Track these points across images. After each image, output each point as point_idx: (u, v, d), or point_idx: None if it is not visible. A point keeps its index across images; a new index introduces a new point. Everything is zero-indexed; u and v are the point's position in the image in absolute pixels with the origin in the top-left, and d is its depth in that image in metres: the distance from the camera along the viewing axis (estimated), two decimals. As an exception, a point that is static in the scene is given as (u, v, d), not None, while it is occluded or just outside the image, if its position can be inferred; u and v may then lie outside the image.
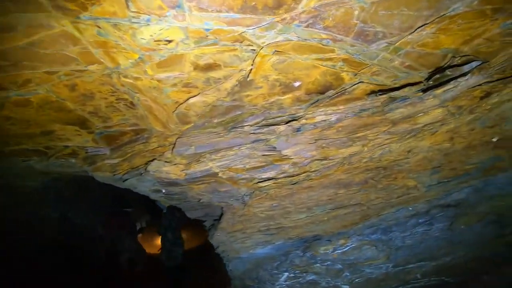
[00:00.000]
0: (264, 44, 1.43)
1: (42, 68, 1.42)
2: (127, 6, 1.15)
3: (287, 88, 1.83)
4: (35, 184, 3.25)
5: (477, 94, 1.91)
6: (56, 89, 1.61)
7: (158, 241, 4.69)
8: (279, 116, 2.09)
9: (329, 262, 2.98)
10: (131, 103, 1.83)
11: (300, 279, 3.18)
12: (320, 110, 2.03)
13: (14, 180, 2.94)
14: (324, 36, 1.41)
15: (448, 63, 1.72)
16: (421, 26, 1.43)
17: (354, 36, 1.43)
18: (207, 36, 1.34)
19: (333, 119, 2.06)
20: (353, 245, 3.12)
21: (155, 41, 1.32)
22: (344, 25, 1.35)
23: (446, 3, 1.35)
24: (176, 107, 1.91)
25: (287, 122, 2.10)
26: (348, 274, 3.01)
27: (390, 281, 3.20)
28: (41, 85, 1.55)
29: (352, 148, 2.26)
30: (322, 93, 1.92)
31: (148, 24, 1.24)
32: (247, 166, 2.37)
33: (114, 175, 2.57)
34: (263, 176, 2.48)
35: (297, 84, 1.80)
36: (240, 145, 2.23)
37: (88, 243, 4.34)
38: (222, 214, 3.38)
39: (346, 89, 1.84)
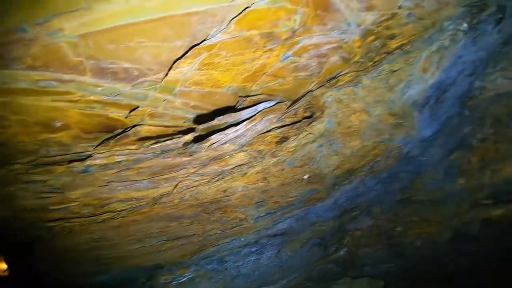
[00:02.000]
0: None
1: None
2: None
3: (49, 127, 1.41)
4: None
5: (271, 139, 1.93)
6: None
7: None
8: (61, 154, 1.65)
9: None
10: None
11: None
12: (116, 149, 1.69)
13: None
14: (44, 77, 1.06)
15: (238, 103, 1.63)
16: (178, 59, 1.22)
17: (92, 75, 1.14)
18: None
19: (128, 157, 1.76)
20: (190, 276, 2.95)
21: None
22: (62, 63, 1.03)
23: (199, 30, 1.14)
24: None
25: (69, 162, 1.68)
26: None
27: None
28: None
29: (161, 190, 2.01)
30: (108, 132, 1.58)
31: None
32: (19, 207, 1.82)
33: None
34: (52, 218, 1.98)
35: (57, 124, 1.41)
36: (6, 186, 1.67)
37: None
38: (30, 246, 2.70)
39: (128, 130, 1.56)
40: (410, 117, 2.26)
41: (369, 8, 1.36)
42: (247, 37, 1.19)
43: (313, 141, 2.10)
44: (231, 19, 1.10)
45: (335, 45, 1.47)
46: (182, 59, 1.18)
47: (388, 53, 1.80)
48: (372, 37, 1.58)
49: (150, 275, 3.40)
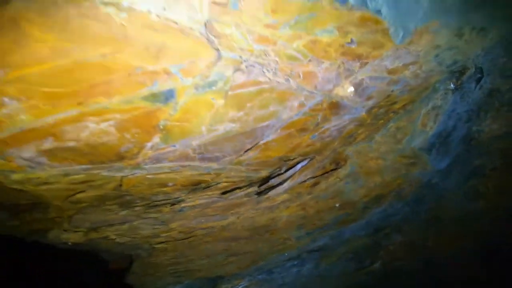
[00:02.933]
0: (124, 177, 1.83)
1: None
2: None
3: (163, 185, 2.26)
4: None
5: (307, 185, 2.60)
6: None
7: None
8: (165, 200, 2.51)
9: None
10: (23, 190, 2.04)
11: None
12: (198, 195, 2.51)
13: None
14: (171, 165, 1.88)
15: (283, 164, 2.35)
16: (247, 150, 1.98)
17: (199, 161, 1.94)
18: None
19: (208, 201, 2.56)
20: (245, 284, 3.66)
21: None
22: (186, 157, 1.84)
23: (259, 134, 1.88)
24: (67, 197, 2.17)
25: (172, 204, 2.53)
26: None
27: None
28: None
29: (228, 220, 2.78)
30: (196, 185, 2.40)
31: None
32: (139, 235, 2.71)
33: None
34: (155, 241, 2.85)
35: (170, 184, 2.24)
36: (132, 221, 2.57)
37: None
38: (132, 261, 3.63)
39: (211, 185, 2.35)
40: (421, 157, 2.76)
41: (369, 98, 1.99)
42: (288, 134, 1.91)
43: (340, 180, 2.71)
44: (280, 126, 1.83)
45: (348, 121, 2.12)
46: (250, 149, 1.93)
47: (394, 112, 2.37)
48: (376, 109, 2.19)
49: (213, 285, 4.18)
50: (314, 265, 3.69)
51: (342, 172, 2.60)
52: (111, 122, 1.16)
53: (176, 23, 0.94)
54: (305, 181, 2.50)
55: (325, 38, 1.23)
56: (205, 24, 0.97)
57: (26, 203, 2.34)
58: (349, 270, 4.11)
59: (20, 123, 1.09)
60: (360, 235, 3.95)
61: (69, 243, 3.07)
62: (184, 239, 2.90)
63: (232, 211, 2.71)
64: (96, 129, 1.17)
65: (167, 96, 1.15)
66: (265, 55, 1.17)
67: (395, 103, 2.25)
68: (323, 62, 1.36)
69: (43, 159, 1.31)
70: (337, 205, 3.23)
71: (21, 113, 1.04)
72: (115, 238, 2.78)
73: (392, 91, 2.05)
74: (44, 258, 4.30)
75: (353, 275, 4.14)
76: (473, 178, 3.10)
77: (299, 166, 2.25)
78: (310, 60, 1.30)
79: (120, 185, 1.99)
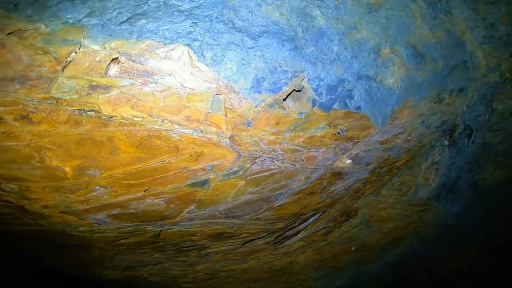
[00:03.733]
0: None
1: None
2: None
3: (193, 235, 2.68)
4: None
5: (320, 233, 2.89)
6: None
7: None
8: (192, 246, 2.91)
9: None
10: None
11: None
12: (222, 243, 2.89)
13: None
14: (201, 222, 2.30)
15: (297, 218, 2.69)
16: (264, 211, 2.36)
17: (223, 219, 2.34)
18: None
19: (231, 248, 2.92)
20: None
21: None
22: (213, 217, 2.25)
23: (273, 199, 2.27)
24: (112, 241, 2.65)
25: (198, 250, 2.92)
26: None
27: None
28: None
29: (248, 264, 3.11)
30: (220, 235, 2.79)
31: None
32: (169, 275, 3.11)
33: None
34: (182, 281, 3.22)
35: (198, 234, 2.66)
36: (163, 263, 2.98)
37: None
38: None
39: (234, 234, 2.73)
40: (431, 204, 2.96)
41: (368, 164, 2.32)
42: (299, 197, 2.29)
43: (353, 228, 2.98)
44: (291, 193, 2.21)
45: (353, 182, 2.45)
46: (266, 210, 2.32)
47: (397, 169, 2.67)
48: (378, 169, 2.50)
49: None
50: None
51: (354, 221, 2.87)
52: (162, 198, 1.64)
53: (210, 139, 1.40)
54: (318, 231, 2.81)
55: (319, 133, 1.65)
56: (229, 138, 1.43)
57: (73, 243, 2.84)
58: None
59: (101, 200, 1.59)
60: (380, 275, 4.03)
61: (103, 279, 3.52)
62: (208, 280, 3.24)
63: (252, 256, 3.04)
64: (151, 203, 1.65)
65: (203, 183, 1.62)
66: (274, 152, 1.61)
67: (396, 161, 2.56)
68: (320, 148, 1.77)
69: (108, 220, 1.79)
70: (353, 248, 3.43)
71: (105, 195, 1.54)
72: (148, 277, 3.19)
73: (389, 155, 2.37)
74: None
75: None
76: (490, 217, 3.20)
77: (311, 219, 2.59)
78: (309, 149, 1.72)
79: (158, 235, 2.43)
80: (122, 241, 2.60)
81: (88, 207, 1.58)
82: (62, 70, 1.07)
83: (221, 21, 1.16)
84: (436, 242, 3.72)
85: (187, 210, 1.90)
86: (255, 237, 2.69)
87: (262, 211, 2.23)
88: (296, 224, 2.58)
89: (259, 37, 1.22)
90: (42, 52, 1.03)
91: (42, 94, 1.11)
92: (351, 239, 3.22)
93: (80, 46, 1.04)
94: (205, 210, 1.99)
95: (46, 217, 1.71)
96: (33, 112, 1.14)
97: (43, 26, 0.98)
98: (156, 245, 2.80)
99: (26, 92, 1.09)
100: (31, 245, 2.42)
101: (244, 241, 2.74)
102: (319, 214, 2.60)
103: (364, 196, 2.70)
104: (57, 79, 1.09)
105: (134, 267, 3.08)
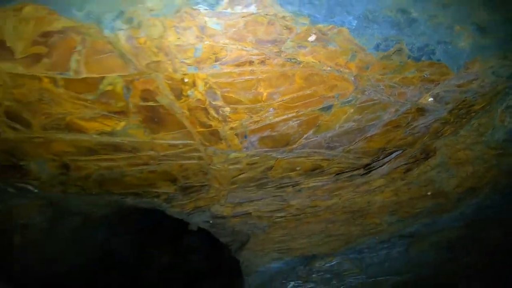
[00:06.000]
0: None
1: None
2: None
3: (292, 170, 3.53)
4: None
5: (400, 170, 3.53)
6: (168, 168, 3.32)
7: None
8: (288, 183, 3.78)
9: (321, 273, 4.54)
10: (206, 173, 3.53)
11: (302, 287, 4.74)
12: (313, 179, 3.71)
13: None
14: (309, 151, 3.11)
15: (381, 154, 3.37)
16: (356, 142, 3.09)
17: (325, 148, 3.12)
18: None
19: (320, 184, 3.73)
20: (338, 261, 4.67)
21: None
22: (319, 145, 3.03)
23: (367, 129, 2.99)
24: (231, 178, 3.62)
25: (293, 186, 3.78)
26: (335, 282, 4.55)
27: (366, 288, 4.73)
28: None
29: (332, 201, 3.90)
30: (313, 170, 3.60)
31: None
32: (269, 209, 4.04)
33: (182, 211, 4.28)
34: (277, 215, 4.15)
35: (298, 168, 3.50)
36: (265, 198, 3.91)
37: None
38: (249, 239, 5.02)
39: (325, 170, 3.51)
40: (508, 148, 3.39)
41: (447, 103, 2.86)
42: (387, 129, 2.96)
43: (432, 169, 3.56)
44: (382, 124, 2.90)
45: (433, 120, 3.03)
46: (359, 140, 3.05)
47: (474, 112, 3.16)
48: (456, 110, 3.03)
49: (308, 262, 5.24)
50: (403, 249, 4.46)
51: (432, 161, 3.45)
52: (298, 121, 2.51)
53: (343, 77, 2.21)
54: (399, 166, 3.46)
55: (410, 75, 2.41)
56: (354, 76, 2.21)
57: (197, 185, 3.89)
58: (441, 260, 4.69)
59: (266, 120, 2.50)
60: (454, 226, 4.48)
61: (210, 222, 4.60)
62: (297, 215, 4.12)
63: (336, 193, 3.82)
64: (291, 125, 2.52)
65: (328, 108, 2.45)
66: (378, 86, 2.40)
67: (473, 105, 3.05)
68: (409, 86, 2.50)
69: (256, 143, 2.69)
70: (429, 193, 3.99)
71: (271, 116, 2.45)
72: (251, 212, 4.16)
73: (466, 97, 2.87)
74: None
75: (445, 266, 4.70)
76: None
77: (394, 154, 3.25)
78: (402, 87, 2.44)
79: (272, 167, 3.31)
80: (240, 176, 3.50)
81: (255, 127, 2.48)
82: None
83: None
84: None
85: (306, 135, 2.72)
86: (343, 171, 3.45)
87: (355, 142, 2.96)
88: (380, 158, 3.26)
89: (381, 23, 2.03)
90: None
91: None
92: (428, 182, 3.79)
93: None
94: (316, 137, 2.79)
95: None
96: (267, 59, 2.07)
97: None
98: (260, 182, 3.72)
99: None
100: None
101: (333, 176, 3.52)
102: (401, 151, 3.24)
103: (443, 136, 3.26)
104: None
105: (242, 203, 4.06)
